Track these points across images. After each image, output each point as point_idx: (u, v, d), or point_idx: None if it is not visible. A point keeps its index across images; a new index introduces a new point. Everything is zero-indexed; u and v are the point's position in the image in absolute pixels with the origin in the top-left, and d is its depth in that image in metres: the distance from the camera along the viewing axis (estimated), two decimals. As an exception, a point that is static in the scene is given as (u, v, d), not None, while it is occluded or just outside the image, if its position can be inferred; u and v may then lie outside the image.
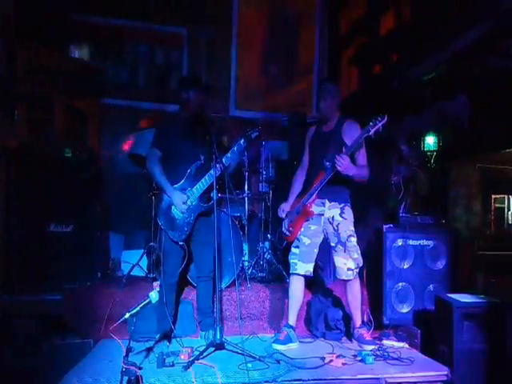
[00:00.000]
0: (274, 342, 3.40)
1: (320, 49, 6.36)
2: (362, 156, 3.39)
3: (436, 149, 4.30)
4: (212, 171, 3.36)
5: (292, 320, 3.52)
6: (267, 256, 4.56)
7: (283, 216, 3.59)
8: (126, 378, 2.50)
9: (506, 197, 4.16)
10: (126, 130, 5.34)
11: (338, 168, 3.20)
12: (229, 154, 3.44)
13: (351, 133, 3.38)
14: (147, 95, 5.71)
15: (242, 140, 3.47)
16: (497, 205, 4.17)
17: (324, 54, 6.38)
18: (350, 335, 3.62)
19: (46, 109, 4.58)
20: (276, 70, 6.23)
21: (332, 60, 6.34)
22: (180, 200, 3.37)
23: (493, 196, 4.20)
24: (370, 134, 3.21)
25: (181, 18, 5.78)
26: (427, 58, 4.31)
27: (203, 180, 3.42)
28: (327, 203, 3.43)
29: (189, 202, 3.40)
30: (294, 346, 3.41)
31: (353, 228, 3.43)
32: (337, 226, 3.39)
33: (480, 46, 3.73)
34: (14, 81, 4.26)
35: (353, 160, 3.30)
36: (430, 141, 4.32)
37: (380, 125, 3.19)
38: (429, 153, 4.33)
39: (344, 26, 6.27)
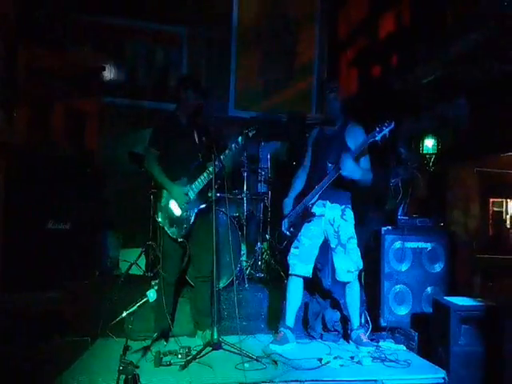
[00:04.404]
0: (271, 343, 3.40)
1: (319, 49, 6.36)
2: (365, 160, 3.39)
3: (435, 152, 4.31)
4: (210, 168, 3.35)
5: (290, 321, 3.52)
6: (265, 256, 4.56)
7: (288, 211, 3.54)
8: (123, 377, 2.48)
9: (504, 200, 4.17)
10: (126, 129, 5.33)
11: (343, 173, 3.20)
12: (227, 152, 3.44)
13: (355, 136, 3.38)
14: (146, 94, 5.71)
15: (240, 138, 3.46)
16: (495, 208, 4.19)
17: (323, 54, 6.38)
18: (347, 337, 3.61)
19: (45, 108, 4.57)
20: (275, 71, 6.21)
21: (331, 61, 6.34)
22: (180, 192, 3.35)
23: (491, 199, 4.21)
24: (377, 139, 3.18)
25: (180, 18, 5.76)
26: (427, 61, 4.32)
27: (202, 177, 3.41)
28: (328, 205, 3.43)
29: (189, 196, 3.39)
30: (291, 346, 3.40)
31: (353, 230, 3.43)
32: (337, 228, 3.39)
33: (480, 48, 3.73)
34: (13, 80, 4.25)
35: (357, 163, 3.29)
36: (429, 143, 4.32)
37: (387, 131, 3.16)
38: (428, 155, 4.33)
39: (344, 28, 6.27)
